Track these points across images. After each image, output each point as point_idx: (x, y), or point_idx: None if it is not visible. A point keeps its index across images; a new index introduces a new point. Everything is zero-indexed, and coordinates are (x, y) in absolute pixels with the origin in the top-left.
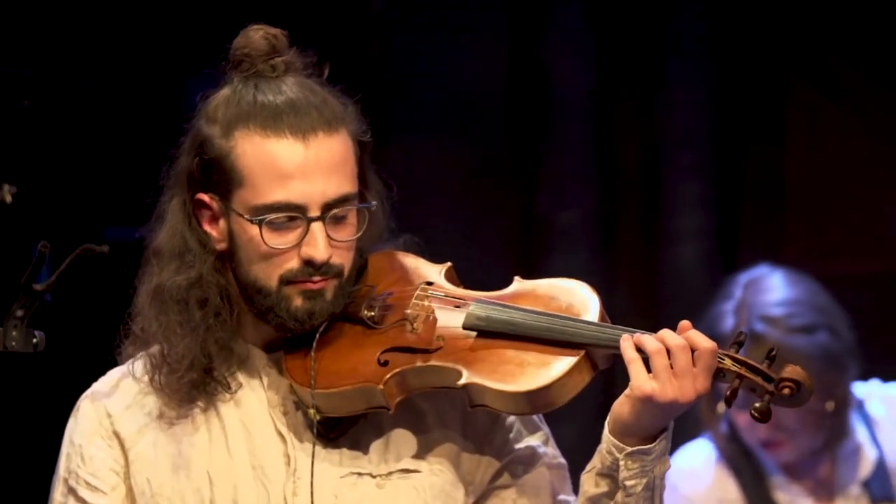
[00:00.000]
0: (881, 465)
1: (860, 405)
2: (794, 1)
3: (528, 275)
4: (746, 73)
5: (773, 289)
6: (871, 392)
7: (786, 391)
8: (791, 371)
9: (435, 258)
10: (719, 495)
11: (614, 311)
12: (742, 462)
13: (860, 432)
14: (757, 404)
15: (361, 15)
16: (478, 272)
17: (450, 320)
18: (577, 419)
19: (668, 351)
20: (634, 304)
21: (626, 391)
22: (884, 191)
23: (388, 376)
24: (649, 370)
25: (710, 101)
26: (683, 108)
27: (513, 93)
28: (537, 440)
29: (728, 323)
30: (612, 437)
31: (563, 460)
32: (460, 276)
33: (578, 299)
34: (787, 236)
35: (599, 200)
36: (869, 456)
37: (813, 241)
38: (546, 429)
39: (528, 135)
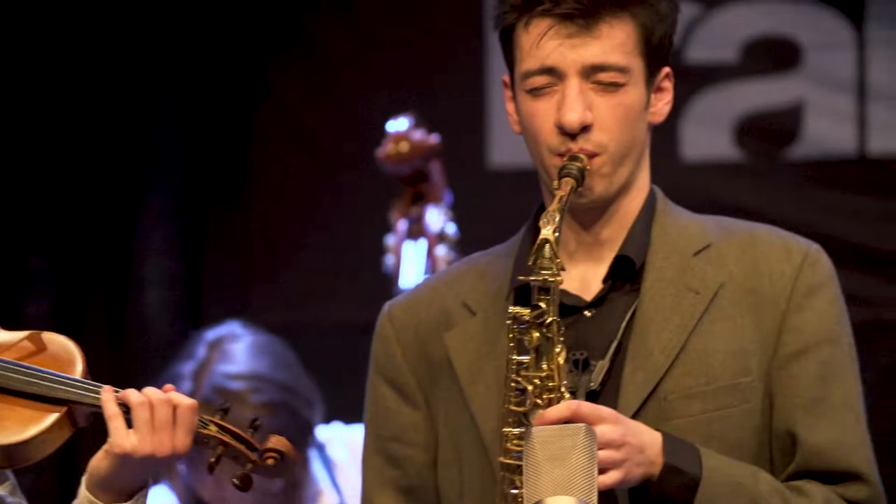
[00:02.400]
0: None
1: (322, 448)
2: (256, 52)
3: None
4: (211, 118)
5: (236, 357)
6: (333, 436)
7: (270, 461)
8: (275, 442)
9: None
10: None
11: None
12: None
13: (322, 477)
14: (239, 473)
15: None
16: None
17: None
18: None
19: (151, 404)
20: (102, 351)
21: (105, 446)
22: (344, 240)
23: None
24: (129, 426)
25: (178, 146)
26: (152, 153)
27: None
28: (4, 490)
29: (185, 387)
30: (87, 493)
31: None
32: None
33: (65, 354)
34: (251, 284)
35: (67, 245)
36: (330, 501)
37: (277, 289)
38: (12, 478)
39: None
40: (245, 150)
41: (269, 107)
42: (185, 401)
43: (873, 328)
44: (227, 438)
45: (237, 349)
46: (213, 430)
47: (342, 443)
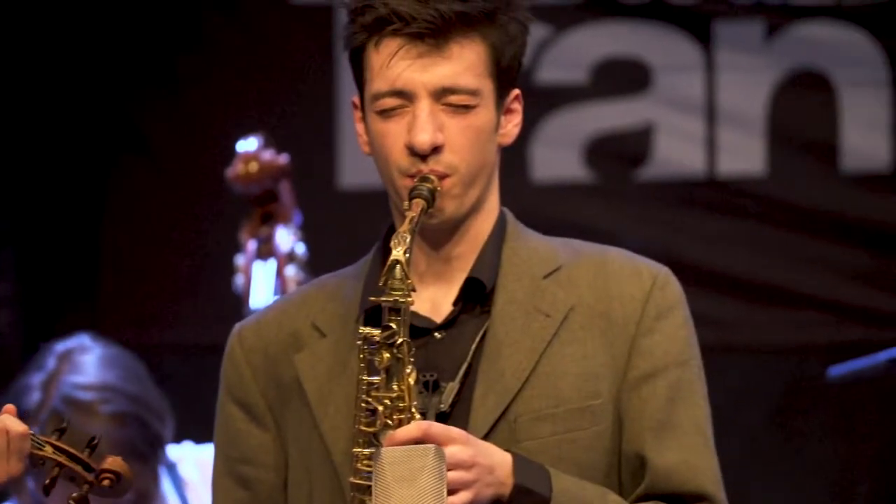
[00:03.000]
0: None
1: (172, 467)
2: (111, 75)
3: None
4: (62, 140)
5: (85, 368)
6: (184, 455)
7: (106, 482)
8: (112, 462)
9: None
10: None
11: None
12: None
13: (172, 497)
14: (75, 494)
15: None
16: None
17: None
18: None
19: None
20: None
21: None
22: (194, 260)
23: None
24: None
25: (28, 167)
26: (2, 174)
27: None
28: None
29: (34, 398)
30: None
31: None
32: None
33: None
34: (103, 303)
35: None
36: None
37: (127, 309)
38: None
39: None
40: (97, 170)
41: (121, 128)
42: (16, 427)
43: (723, 350)
44: (62, 459)
45: (87, 360)
46: (48, 451)
47: (193, 462)
